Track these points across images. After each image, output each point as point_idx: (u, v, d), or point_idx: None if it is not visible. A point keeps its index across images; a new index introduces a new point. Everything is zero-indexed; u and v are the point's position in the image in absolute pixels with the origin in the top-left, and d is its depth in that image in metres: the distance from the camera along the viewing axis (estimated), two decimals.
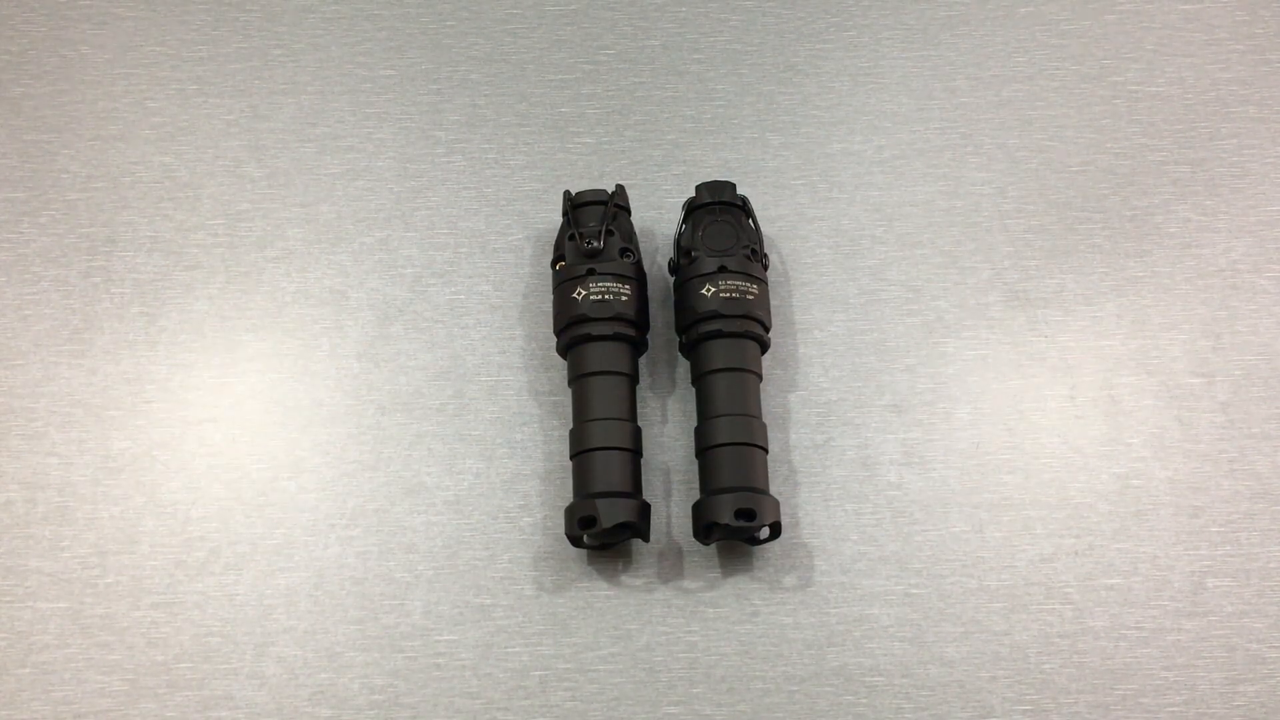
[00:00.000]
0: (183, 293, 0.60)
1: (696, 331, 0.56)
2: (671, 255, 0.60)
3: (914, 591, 0.54)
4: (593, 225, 0.57)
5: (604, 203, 0.58)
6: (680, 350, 0.58)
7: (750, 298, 0.55)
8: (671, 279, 0.60)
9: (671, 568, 0.54)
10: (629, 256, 0.57)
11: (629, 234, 0.58)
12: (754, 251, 0.57)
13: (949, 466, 0.56)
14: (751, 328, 0.55)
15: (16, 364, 0.58)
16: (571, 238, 0.57)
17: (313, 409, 0.57)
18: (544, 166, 0.64)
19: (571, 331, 0.56)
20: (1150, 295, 0.60)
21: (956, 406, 0.57)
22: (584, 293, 0.55)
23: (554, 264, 0.58)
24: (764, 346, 0.56)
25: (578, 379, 0.56)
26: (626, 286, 0.56)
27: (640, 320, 0.57)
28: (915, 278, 0.61)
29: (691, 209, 0.58)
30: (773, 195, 0.63)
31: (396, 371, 0.58)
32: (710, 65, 0.67)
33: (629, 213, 0.59)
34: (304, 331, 0.59)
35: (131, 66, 0.66)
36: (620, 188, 0.59)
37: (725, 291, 0.55)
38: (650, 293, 0.60)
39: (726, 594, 0.53)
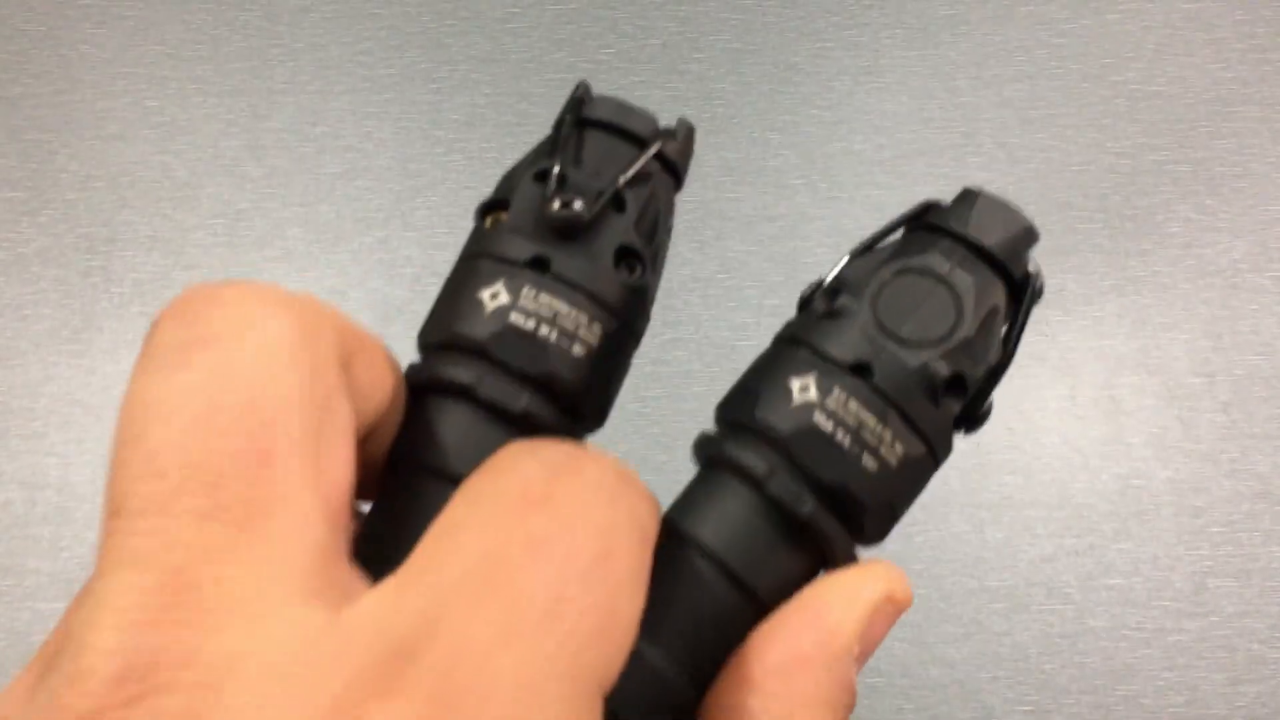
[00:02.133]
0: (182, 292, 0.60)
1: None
2: None
3: (914, 591, 0.54)
4: (590, 174, 0.26)
5: (638, 138, 0.26)
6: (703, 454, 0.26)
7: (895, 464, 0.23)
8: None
9: None
10: (632, 268, 0.25)
11: (654, 221, 0.26)
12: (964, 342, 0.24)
13: (949, 466, 0.56)
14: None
15: (15, 364, 0.58)
16: (540, 175, 0.25)
17: None
18: None
19: (438, 365, 0.23)
20: (1151, 295, 0.60)
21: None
22: (503, 298, 0.24)
23: (482, 212, 0.26)
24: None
25: (400, 482, 0.23)
26: (595, 325, 0.24)
27: (588, 399, 0.24)
28: None
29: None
30: (773, 195, 0.63)
31: None
32: (710, 65, 0.67)
33: (678, 180, 0.27)
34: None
35: (131, 66, 0.66)
36: (687, 127, 0.28)
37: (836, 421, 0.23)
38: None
39: None
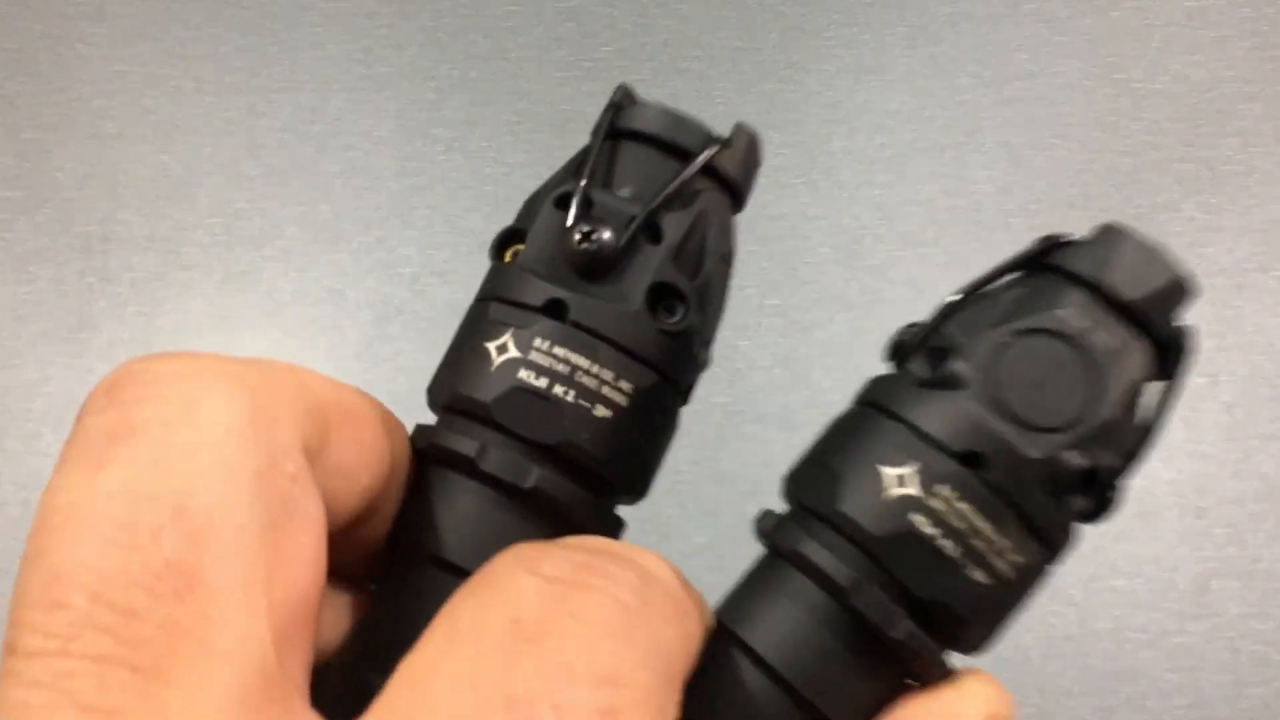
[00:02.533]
0: (179, 292, 0.59)
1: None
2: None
3: None
4: (624, 197, 0.21)
5: (682, 151, 0.22)
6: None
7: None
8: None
9: None
10: (672, 309, 0.21)
11: (699, 250, 0.22)
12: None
13: None
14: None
15: (12, 364, 0.58)
16: (561, 201, 0.21)
17: None
18: (544, 165, 0.64)
19: (440, 431, 0.21)
20: None
21: None
22: (511, 351, 0.20)
23: (499, 245, 0.22)
24: None
25: (399, 570, 0.21)
26: (624, 381, 0.20)
27: (616, 470, 0.21)
28: (918, 277, 0.60)
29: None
30: (774, 194, 0.63)
31: (395, 371, 0.58)
32: (711, 63, 0.67)
33: (737, 199, 0.23)
34: (302, 331, 0.59)
35: (128, 65, 0.65)
36: (748, 136, 0.23)
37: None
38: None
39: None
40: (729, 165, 0.22)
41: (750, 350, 0.59)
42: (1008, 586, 0.18)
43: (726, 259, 0.23)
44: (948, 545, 0.18)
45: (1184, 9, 0.69)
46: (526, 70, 0.66)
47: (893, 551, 0.18)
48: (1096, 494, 0.19)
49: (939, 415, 0.19)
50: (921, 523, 0.18)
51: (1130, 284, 0.19)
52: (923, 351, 0.20)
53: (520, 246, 0.22)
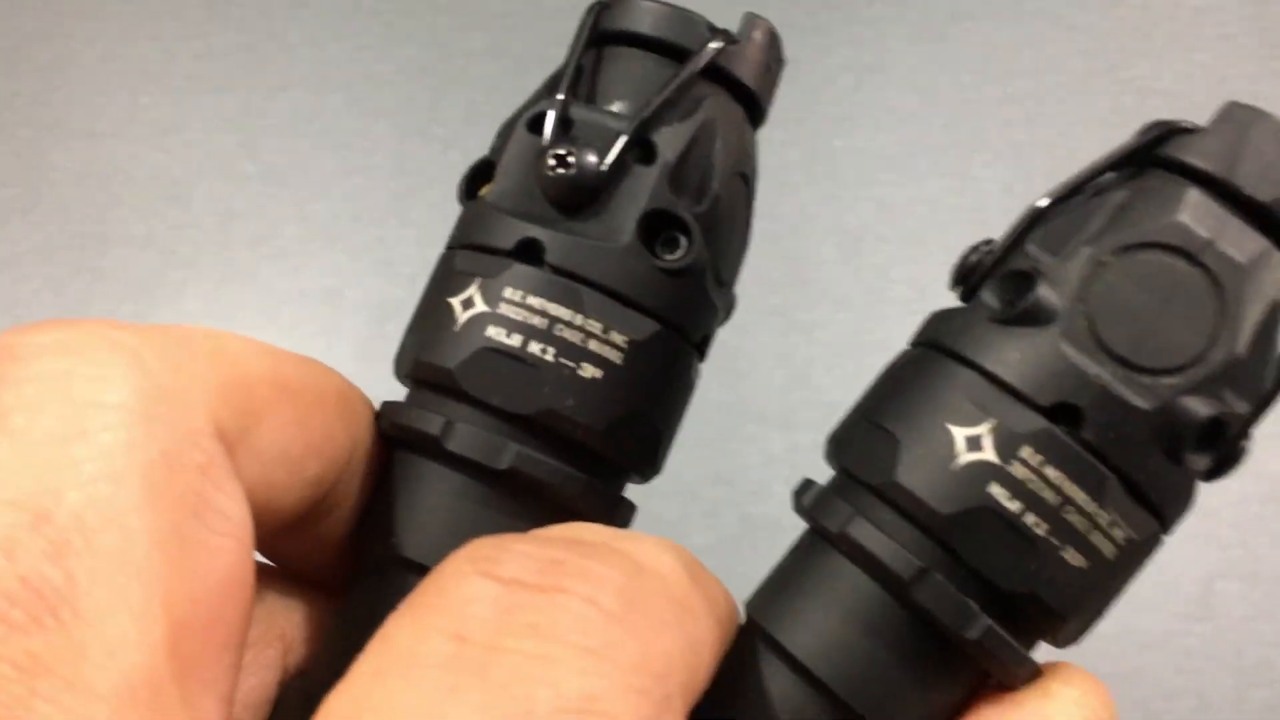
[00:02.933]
0: (175, 292, 0.59)
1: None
2: None
3: None
4: (612, 112, 0.18)
5: (679, 50, 0.18)
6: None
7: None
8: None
9: None
10: (672, 242, 0.18)
11: (705, 168, 0.19)
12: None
13: None
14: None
15: None
16: (534, 122, 0.19)
17: None
18: None
19: (402, 408, 0.18)
20: None
21: None
22: (478, 304, 0.17)
23: (468, 189, 0.20)
24: None
25: (363, 572, 0.18)
26: (616, 333, 0.17)
27: (615, 442, 0.18)
28: (921, 276, 0.60)
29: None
30: (776, 193, 0.63)
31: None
32: None
33: (754, 107, 0.21)
34: (299, 331, 0.58)
35: (123, 62, 0.65)
36: (765, 28, 0.20)
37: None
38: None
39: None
40: (739, 65, 0.19)
41: (751, 350, 0.58)
42: (1110, 569, 0.15)
43: (745, 178, 0.20)
44: (1034, 522, 0.15)
45: (1189, 7, 0.68)
46: (527, 67, 0.66)
47: (965, 533, 0.15)
48: (1223, 448, 0.16)
49: (1020, 358, 0.15)
50: (1001, 495, 0.15)
51: (1267, 179, 0.15)
52: (999, 276, 0.17)
53: (483, 185, 0.19)
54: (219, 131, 0.63)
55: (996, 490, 0.15)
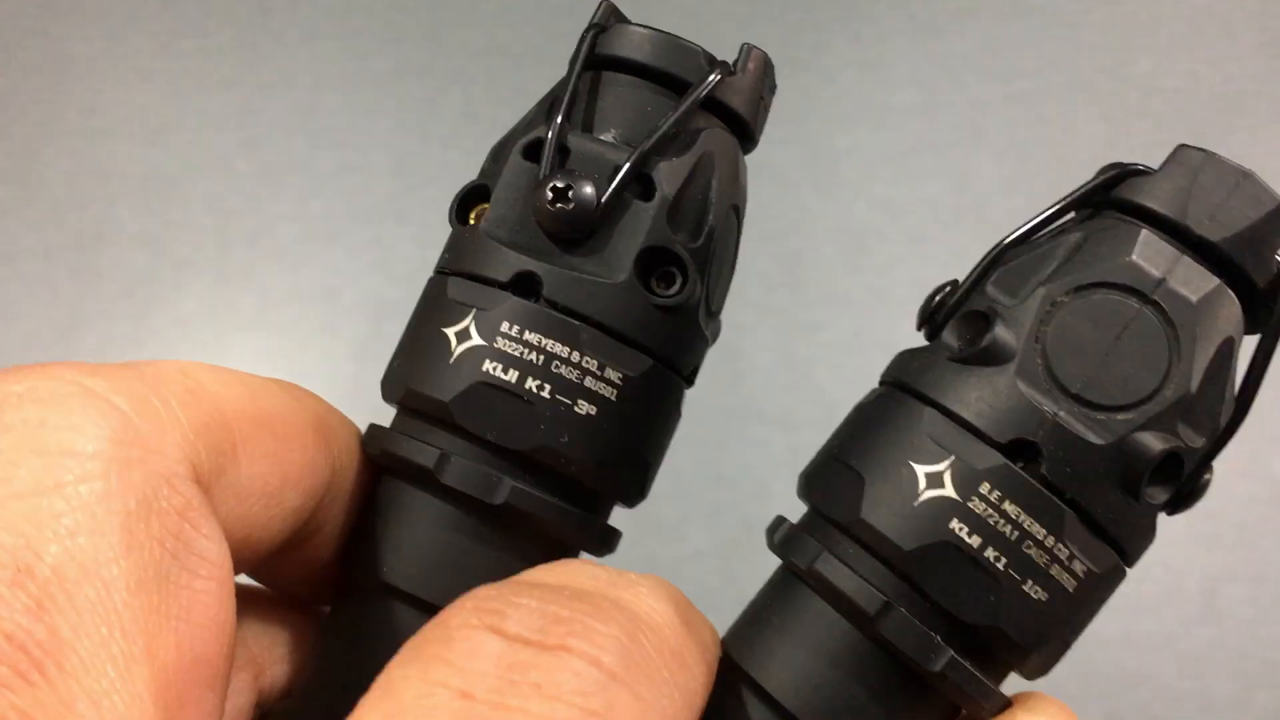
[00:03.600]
0: (171, 291, 0.59)
1: None
2: None
3: None
4: (608, 142, 0.18)
5: (677, 82, 0.19)
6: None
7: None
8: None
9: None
10: (669, 278, 0.18)
11: (702, 203, 0.18)
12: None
13: None
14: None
15: (2, 364, 0.58)
16: (530, 149, 0.18)
17: None
18: None
19: (393, 436, 0.18)
20: None
21: None
22: (474, 338, 0.17)
23: (460, 211, 0.19)
24: None
25: (351, 598, 0.18)
26: (612, 369, 0.17)
27: (607, 476, 0.18)
28: (923, 276, 0.60)
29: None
30: (776, 192, 0.63)
31: None
32: None
33: (747, 136, 0.21)
34: (296, 331, 0.58)
35: (119, 60, 0.65)
36: (759, 58, 0.20)
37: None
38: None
39: (730, 599, 0.52)
40: (734, 97, 0.19)
41: (752, 350, 0.58)
42: (1071, 601, 0.16)
43: (736, 210, 0.19)
44: (994, 557, 0.15)
45: (1192, 5, 0.68)
46: (525, 65, 0.66)
47: (927, 568, 0.15)
48: (1180, 481, 0.16)
49: (979, 397, 0.15)
50: (961, 530, 0.15)
51: (1216, 219, 0.15)
52: (959, 316, 0.17)
53: (485, 206, 0.18)
54: (216, 130, 0.63)
55: (957, 525, 0.15)
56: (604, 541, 0.19)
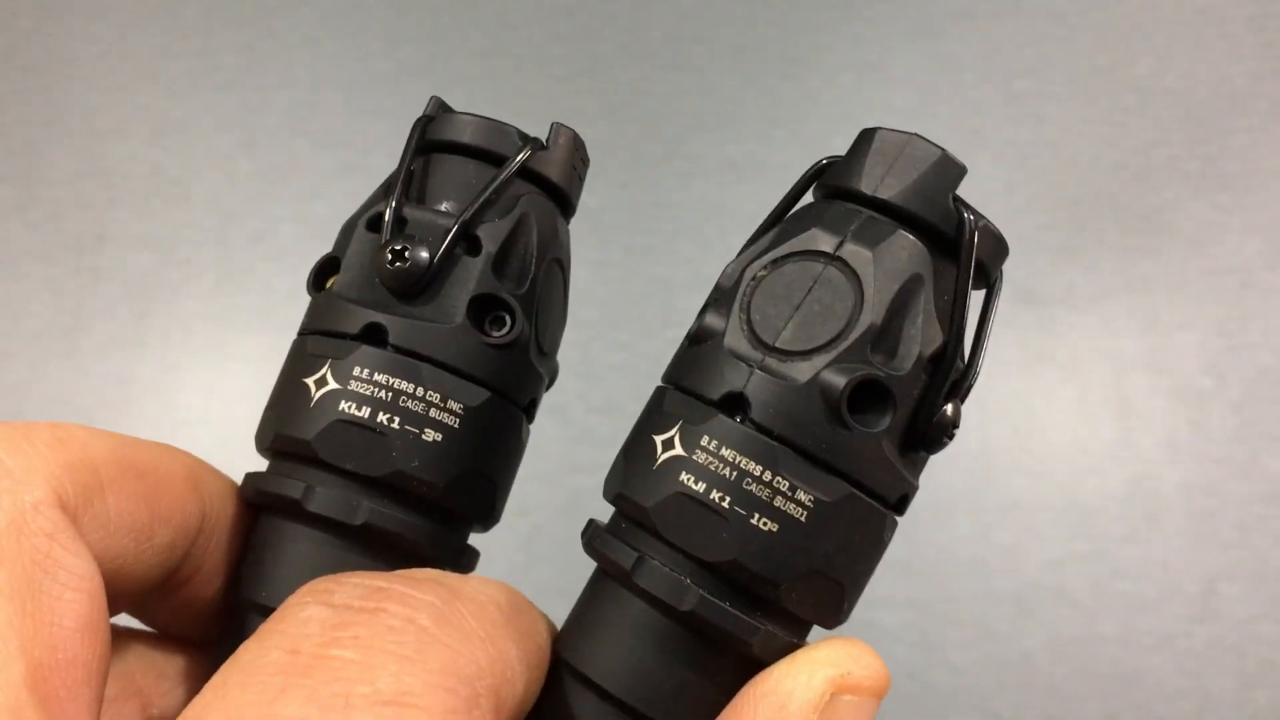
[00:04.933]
0: (173, 291, 0.59)
1: None
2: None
3: (919, 595, 0.53)
4: (442, 211, 0.21)
5: (495, 157, 0.21)
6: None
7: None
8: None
9: None
10: (500, 321, 0.21)
11: (524, 257, 0.21)
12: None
13: (955, 468, 0.55)
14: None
15: (4, 364, 0.58)
16: (372, 223, 0.21)
17: None
18: None
19: (264, 476, 0.21)
20: (1162, 294, 0.60)
21: (963, 407, 0.57)
22: (330, 383, 0.20)
23: (316, 281, 0.21)
24: None
25: (232, 624, 0.21)
26: (453, 401, 0.20)
27: (458, 495, 0.20)
28: None
29: None
30: (777, 192, 0.63)
31: None
32: (712, 59, 0.66)
33: (564, 203, 0.22)
34: (296, 331, 0.58)
35: (121, 61, 0.65)
36: (567, 134, 0.22)
37: None
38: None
39: None
40: (549, 168, 0.21)
41: None
42: (807, 530, 0.17)
43: (560, 263, 0.22)
44: (719, 497, 0.17)
45: (1191, 6, 0.68)
46: (525, 67, 0.66)
47: (666, 517, 0.17)
48: (892, 407, 0.17)
49: (697, 367, 0.18)
50: (689, 481, 0.17)
51: (885, 180, 0.18)
52: (704, 310, 0.19)
53: (337, 276, 0.21)
54: (217, 130, 0.63)
55: (684, 476, 0.17)
56: (461, 556, 0.21)
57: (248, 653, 0.15)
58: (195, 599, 0.20)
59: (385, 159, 0.62)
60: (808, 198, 0.21)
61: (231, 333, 0.58)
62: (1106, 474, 0.56)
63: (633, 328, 0.58)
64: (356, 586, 0.15)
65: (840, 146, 0.70)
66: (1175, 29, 0.67)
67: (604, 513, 0.20)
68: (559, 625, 0.19)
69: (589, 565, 0.18)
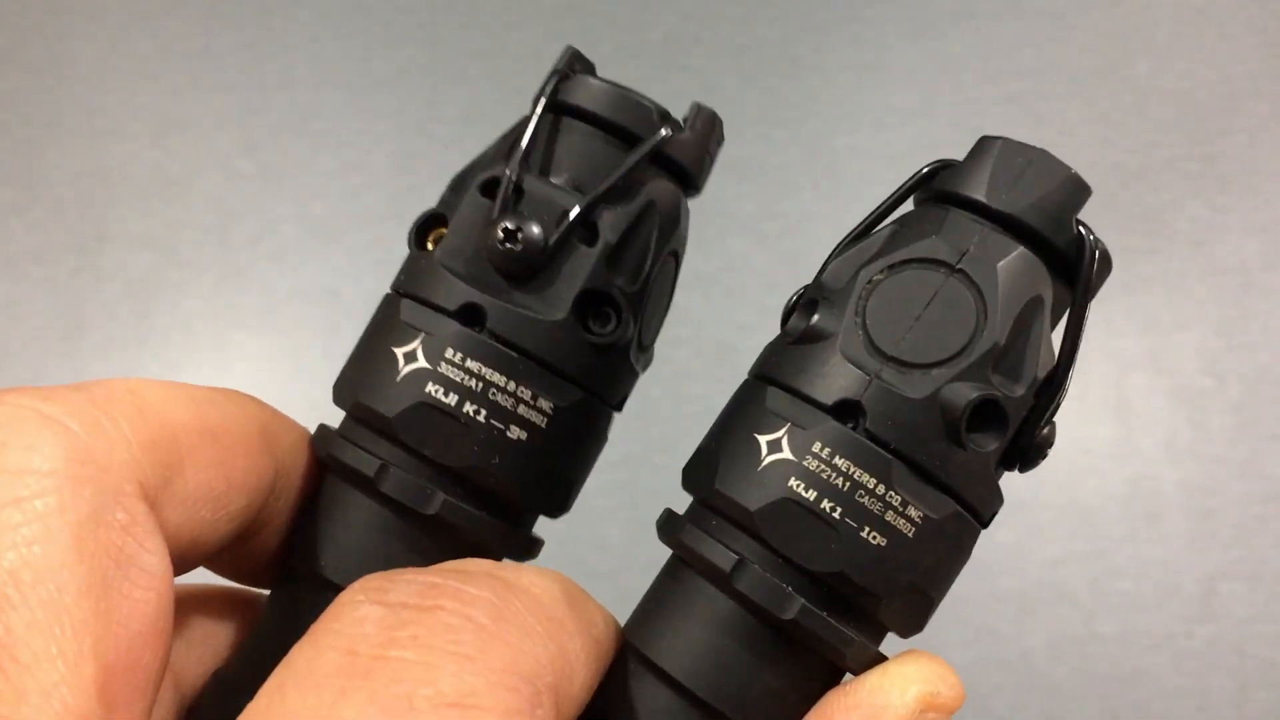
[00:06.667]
0: (173, 291, 0.59)
1: None
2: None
3: None
4: (560, 185, 0.19)
5: (629, 135, 0.20)
6: None
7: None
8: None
9: None
10: (605, 318, 0.19)
11: (643, 250, 0.20)
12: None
13: None
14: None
15: (3, 364, 0.57)
16: (487, 186, 0.19)
17: (306, 409, 0.57)
18: None
19: (339, 441, 0.19)
20: (1161, 294, 0.60)
21: None
22: (420, 360, 0.18)
23: (419, 235, 0.21)
24: None
25: (289, 590, 0.20)
26: (544, 400, 0.19)
27: (531, 496, 0.19)
28: None
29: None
30: (776, 192, 0.63)
31: None
32: (712, 59, 0.66)
33: (691, 186, 0.22)
34: (297, 331, 0.58)
35: (122, 61, 0.65)
36: (707, 115, 0.21)
37: None
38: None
39: None
40: (683, 152, 0.20)
41: (751, 350, 0.58)
42: (913, 546, 0.17)
43: (675, 255, 0.21)
44: (830, 507, 0.16)
45: (1191, 6, 0.68)
46: (525, 67, 0.66)
47: (771, 523, 0.16)
48: (1006, 429, 0.17)
49: (811, 369, 0.17)
50: (798, 487, 0.16)
51: (1010, 194, 0.17)
52: (800, 306, 0.19)
53: (443, 231, 0.20)
54: (218, 130, 0.63)
55: (794, 482, 0.17)
56: (527, 550, 0.21)
57: (302, 655, 0.14)
58: (260, 552, 0.19)
59: (386, 159, 0.62)
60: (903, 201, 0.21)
61: (232, 333, 0.58)
62: (1106, 474, 0.56)
63: None
64: (410, 584, 0.15)
65: (839, 145, 0.71)
66: (1175, 29, 0.67)
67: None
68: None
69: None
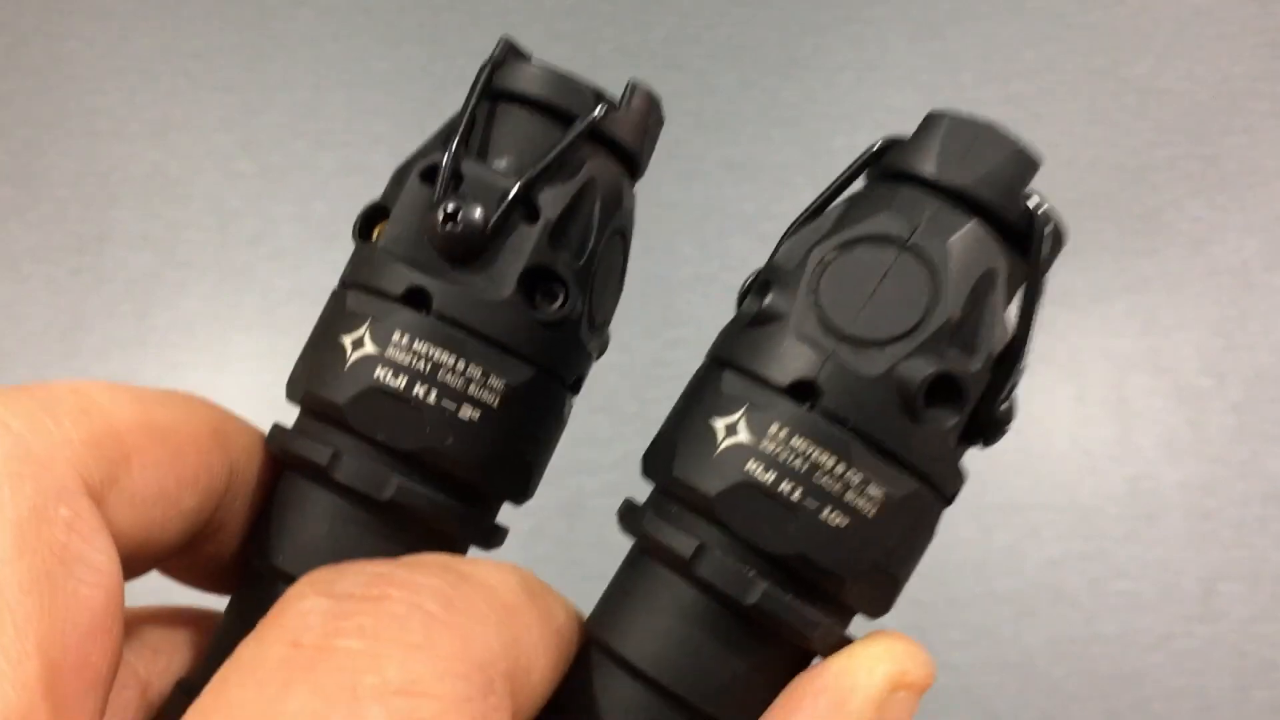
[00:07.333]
0: (174, 291, 0.59)
1: None
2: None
3: (919, 596, 0.53)
4: (500, 169, 0.19)
5: (565, 115, 0.20)
6: None
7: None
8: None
9: None
10: (552, 295, 0.19)
11: (585, 227, 0.20)
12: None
13: None
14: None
15: (4, 365, 0.57)
16: (427, 173, 0.20)
17: None
18: None
19: (292, 435, 0.19)
20: (1161, 294, 0.60)
21: None
22: (368, 346, 0.19)
23: (363, 228, 0.21)
24: None
25: (249, 587, 0.20)
26: (495, 378, 0.18)
27: (489, 476, 0.19)
28: None
29: None
30: (776, 192, 0.63)
31: None
32: (711, 59, 0.66)
33: (633, 167, 0.21)
34: (298, 331, 0.58)
35: (122, 61, 0.65)
36: (643, 93, 0.21)
37: None
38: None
39: None
40: (621, 129, 0.20)
41: None
42: (875, 525, 0.17)
43: (622, 234, 0.21)
44: (789, 489, 0.16)
45: (1191, 6, 0.68)
46: None
47: (731, 507, 0.16)
48: (964, 403, 0.17)
49: (765, 350, 0.17)
50: (756, 469, 0.16)
51: (959, 168, 0.17)
52: (754, 288, 0.18)
53: (386, 224, 0.20)
54: (217, 130, 0.63)
55: (752, 465, 0.16)
56: (489, 537, 0.20)
57: (248, 649, 0.14)
58: (219, 554, 0.19)
59: (386, 159, 0.62)
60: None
61: (232, 333, 0.58)
62: (1106, 474, 0.56)
63: (632, 328, 0.57)
64: (359, 575, 0.15)
65: (841, 146, 0.71)
66: (1175, 29, 0.67)
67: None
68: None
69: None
